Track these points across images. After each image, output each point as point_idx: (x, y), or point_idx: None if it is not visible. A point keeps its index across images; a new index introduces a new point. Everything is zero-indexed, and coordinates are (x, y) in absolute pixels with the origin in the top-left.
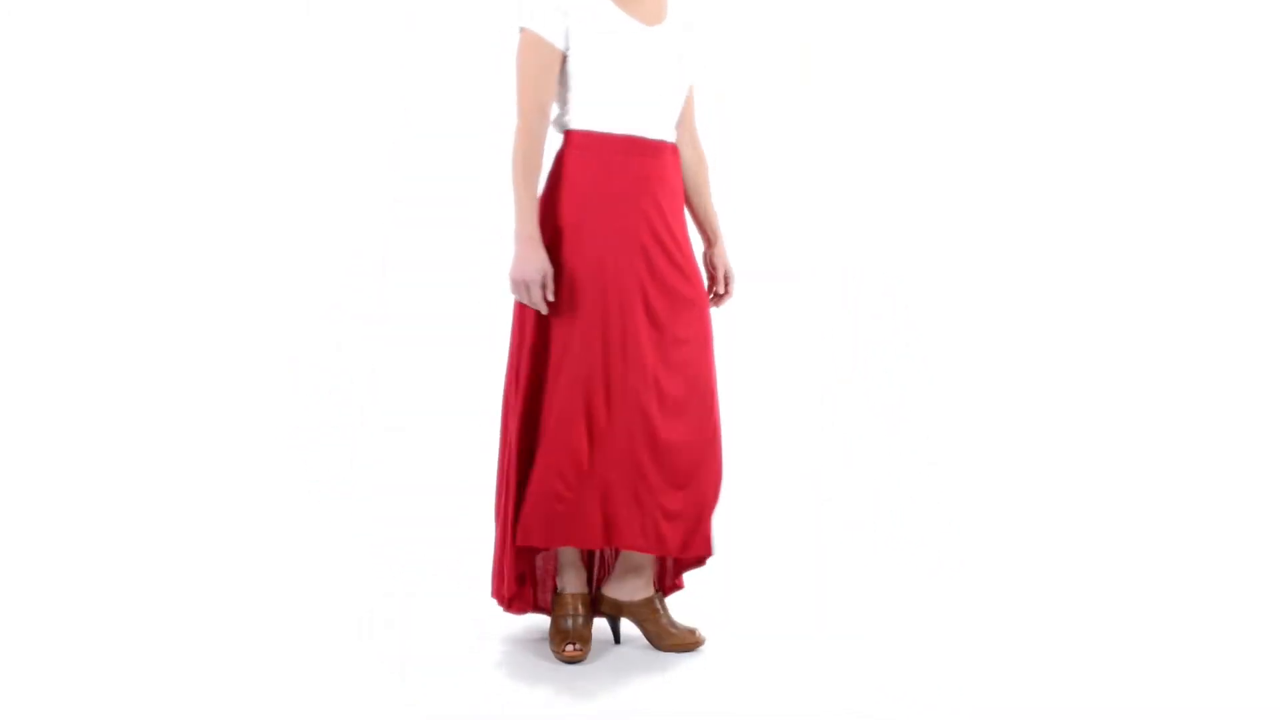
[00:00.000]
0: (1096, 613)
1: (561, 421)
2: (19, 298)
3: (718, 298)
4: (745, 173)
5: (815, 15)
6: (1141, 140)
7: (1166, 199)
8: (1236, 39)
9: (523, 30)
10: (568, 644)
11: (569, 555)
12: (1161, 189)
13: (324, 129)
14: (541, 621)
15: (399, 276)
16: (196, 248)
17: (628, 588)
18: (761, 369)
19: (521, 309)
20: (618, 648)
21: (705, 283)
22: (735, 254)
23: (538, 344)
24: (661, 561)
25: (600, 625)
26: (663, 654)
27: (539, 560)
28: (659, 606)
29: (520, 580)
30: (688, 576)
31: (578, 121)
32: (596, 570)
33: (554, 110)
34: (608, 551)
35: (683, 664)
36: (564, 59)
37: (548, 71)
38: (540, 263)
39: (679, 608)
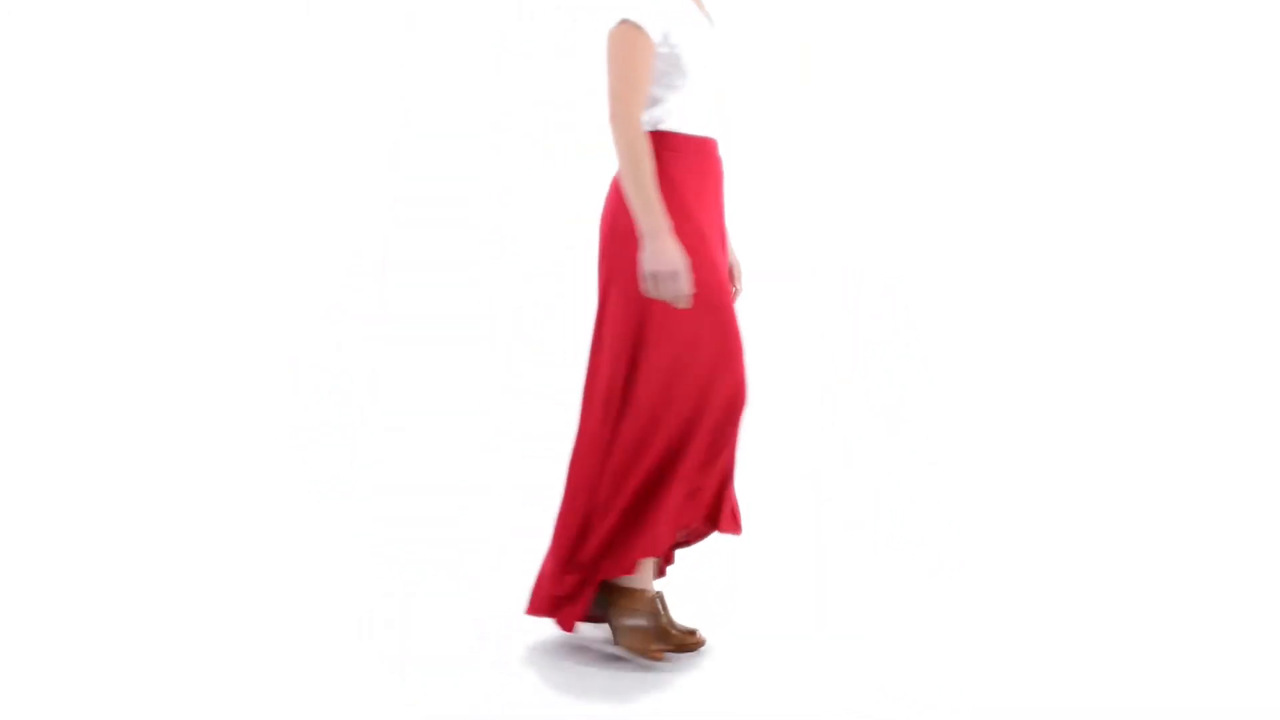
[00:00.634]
0: (1096, 612)
1: (699, 418)
2: (19, 298)
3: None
4: (745, 173)
5: (815, 15)
6: (1141, 140)
7: (1166, 199)
8: (1236, 39)
9: (623, 21)
10: (658, 644)
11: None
12: (1161, 189)
13: (324, 129)
14: (541, 623)
15: (399, 276)
16: (197, 248)
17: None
18: (761, 369)
19: (627, 309)
20: (618, 648)
21: None
22: (735, 254)
23: (656, 345)
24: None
25: (600, 625)
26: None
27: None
28: (660, 606)
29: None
30: (687, 577)
31: (670, 122)
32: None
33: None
34: None
35: (683, 664)
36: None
37: (648, 64)
38: (681, 251)
39: (679, 608)
